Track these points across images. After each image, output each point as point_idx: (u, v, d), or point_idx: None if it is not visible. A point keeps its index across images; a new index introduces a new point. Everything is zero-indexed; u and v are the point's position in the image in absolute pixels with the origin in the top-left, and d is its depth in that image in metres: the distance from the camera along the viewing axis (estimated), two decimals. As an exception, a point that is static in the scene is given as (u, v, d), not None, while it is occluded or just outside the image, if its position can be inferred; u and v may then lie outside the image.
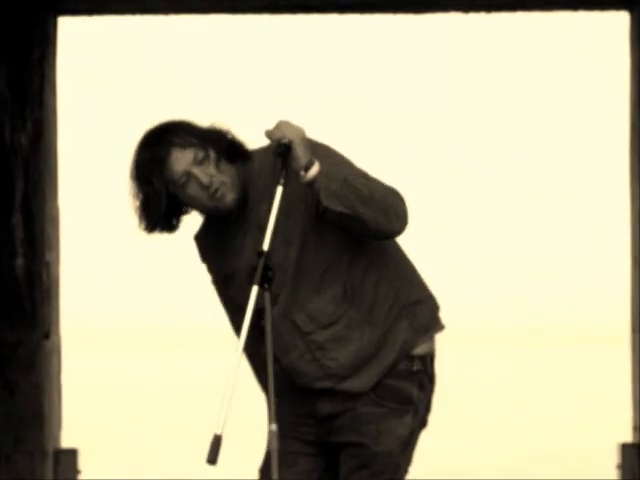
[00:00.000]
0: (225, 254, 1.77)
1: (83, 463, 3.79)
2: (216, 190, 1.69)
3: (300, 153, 1.61)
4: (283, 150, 1.60)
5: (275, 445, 1.54)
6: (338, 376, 1.70)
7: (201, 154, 1.70)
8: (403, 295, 1.74)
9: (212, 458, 1.49)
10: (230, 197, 1.71)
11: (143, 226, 1.75)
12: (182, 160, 1.69)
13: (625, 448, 3.80)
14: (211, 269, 1.84)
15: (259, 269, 1.54)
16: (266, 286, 1.55)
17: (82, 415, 4.28)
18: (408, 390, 1.72)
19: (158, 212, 1.71)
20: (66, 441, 3.94)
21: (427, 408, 1.76)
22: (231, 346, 1.81)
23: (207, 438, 1.66)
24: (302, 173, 1.61)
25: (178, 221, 1.78)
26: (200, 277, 1.90)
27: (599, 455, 3.85)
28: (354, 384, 1.70)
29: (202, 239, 1.83)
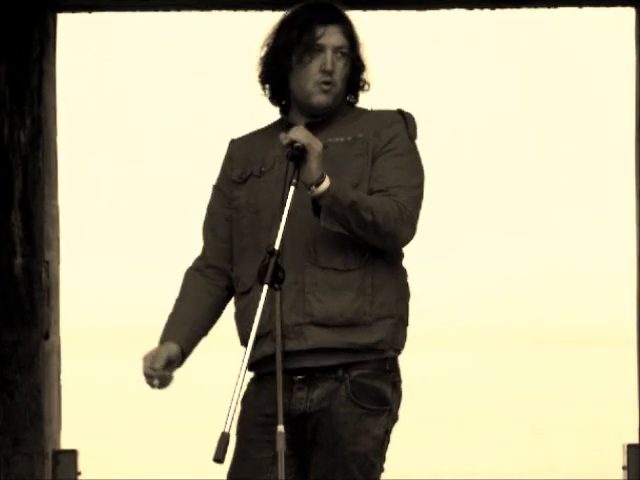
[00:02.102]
0: (267, 154, 1.77)
1: (83, 464, 3.76)
2: (328, 82, 1.73)
3: (314, 167, 1.60)
4: (297, 154, 1.59)
5: (282, 446, 1.53)
6: (312, 318, 1.69)
7: (346, 51, 1.75)
8: (400, 305, 1.77)
9: (219, 457, 1.48)
10: (327, 99, 1.74)
11: (263, 69, 1.78)
12: (334, 38, 1.74)
13: (631, 449, 3.78)
14: (232, 167, 1.83)
15: (270, 268, 1.52)
16: (277, 286, 1.54)
17: (82, 416, 4.26)
18: (383, 390, 1.73)
19: (287, 57, 1.73)
20: (66, 442, 3.92)
21: (398, 406, 1.78)
22: (232, 346, 1.78)
23: (208, 438, 1.65)
24: (313, 188, 1.61)
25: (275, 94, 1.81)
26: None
27: (605, 456, 3.82)
28: (318, 335, 1.69)
29: (240, 142, 1.85)
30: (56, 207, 3.81)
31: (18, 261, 3.59)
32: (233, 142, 1.86)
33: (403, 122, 1.75)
